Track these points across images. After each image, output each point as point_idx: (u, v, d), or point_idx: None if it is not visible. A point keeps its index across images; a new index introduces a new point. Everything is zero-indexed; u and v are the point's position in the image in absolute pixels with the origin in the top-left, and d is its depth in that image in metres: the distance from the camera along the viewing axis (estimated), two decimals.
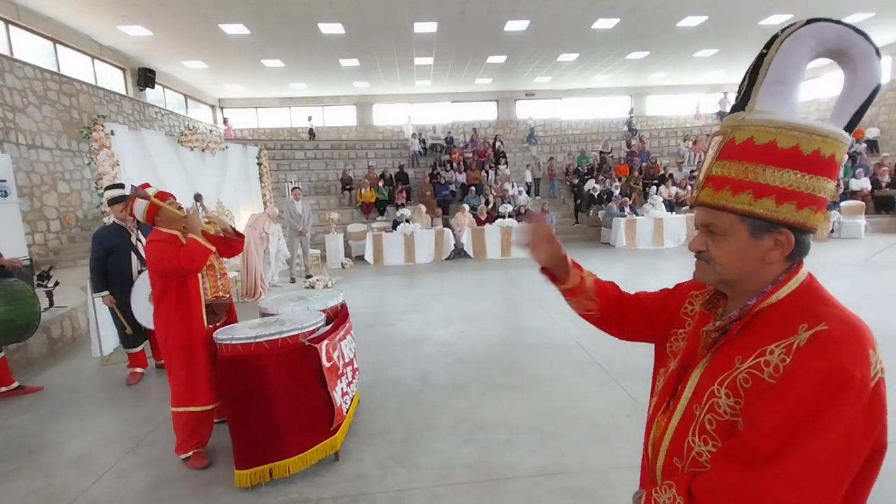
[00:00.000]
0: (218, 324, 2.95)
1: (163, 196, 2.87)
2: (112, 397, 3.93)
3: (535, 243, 1.14)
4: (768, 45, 0.82)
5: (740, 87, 0.85)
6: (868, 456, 0.72)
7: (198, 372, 2.78)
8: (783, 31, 0.81)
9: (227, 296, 3.07)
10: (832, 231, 10.75)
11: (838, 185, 11.55)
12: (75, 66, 11.54)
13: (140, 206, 2.83)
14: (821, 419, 0.67)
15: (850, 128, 0.81)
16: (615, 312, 1.17)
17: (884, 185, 12.01)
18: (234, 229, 3.21)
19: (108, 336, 4.56)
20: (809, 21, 0.80)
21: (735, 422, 0.76)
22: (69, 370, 4.60)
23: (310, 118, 19.33)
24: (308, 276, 8.53)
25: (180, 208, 2.90)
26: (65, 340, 5.31)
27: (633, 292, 1.20)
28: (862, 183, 12.00)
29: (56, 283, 5.35)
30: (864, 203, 11.38)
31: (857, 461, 0.69)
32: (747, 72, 0.84)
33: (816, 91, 18.12)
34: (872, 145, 14.20)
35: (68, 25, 10.94)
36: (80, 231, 9.82)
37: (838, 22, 0.80)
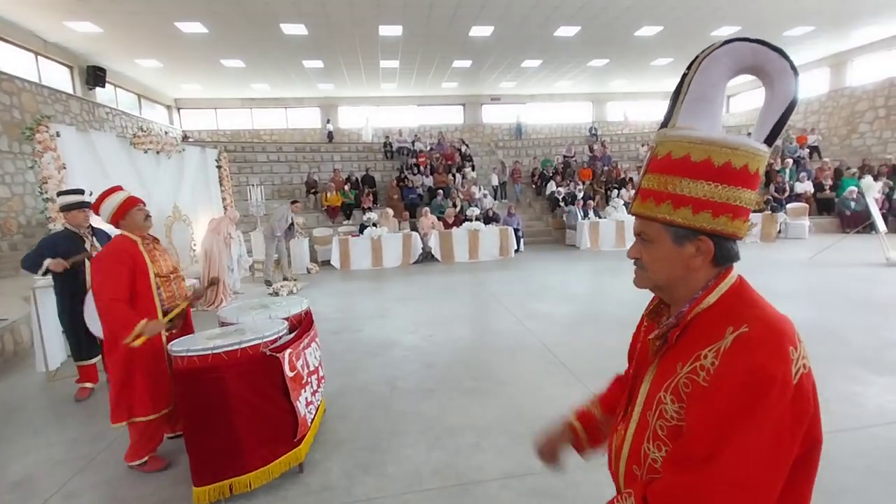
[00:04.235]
0: (174, 331, 2.91)
1: (133, 201, 2.86)
2: (59, 414, 3.70)
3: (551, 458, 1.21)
4: (690, 66, 0.86)
5: (668, 105, 0.89)
6: (804, 451, 0.76)
7: (145, 379, 2.74)
8: (702, 52, 0.85)
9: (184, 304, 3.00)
10: (779, 232, 11.36)
11: (773, 191, 12.24)
12: (16, 62, 10.86)
13: (109, 206, 2.81)
14: (748, 418, 0.69)
15: (770, 139, 0.84)
16: None
17: (826, 188, 12.82)
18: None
19: (54, 349, 4.29)
20: (725, 42, 0.84)
21: (682, 426, 0.78)
22: (11, 387, 4.30)
23: (328, 121, 19.13)
24: (285, 279, 8.44)
25: (148, 216, 2.91)
26: (6, 355, 4.96)
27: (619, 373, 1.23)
28: (805, 186, 12.76)
29: None
30: (807, 205, 12.09)
31: (788, 456, 0.72)
32: (674, 91, 0.88)
33: (758, 101, 19.11)
34: (814, 150, 15.12)
35: (8, 20, 10.28)
36: (22, 238, 9.23)
37: (754, 40, 0.83)
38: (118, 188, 2.98)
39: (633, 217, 0.90)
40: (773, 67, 0.83)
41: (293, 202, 9.31)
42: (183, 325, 3.02)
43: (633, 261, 0.92)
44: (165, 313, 2.83)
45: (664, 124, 0.88)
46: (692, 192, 0.81)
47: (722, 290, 0.83)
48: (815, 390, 0.76)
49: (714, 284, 0.83)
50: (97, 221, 3.56)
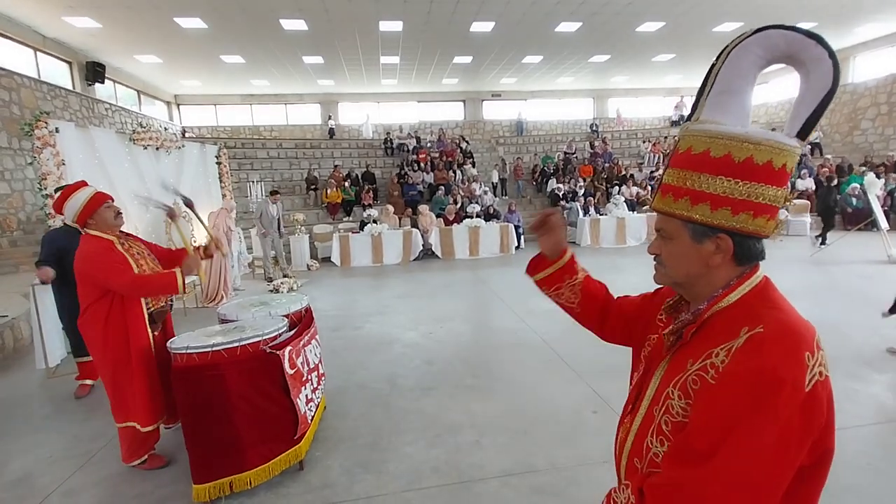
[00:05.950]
0: (156, 334, 2.82)
1: (101, 198, 2.69)
2: (59, 411, 3.70)
3: (547, 229, 1.21)
4: (718, 56, 0.83)
5: (695, 98, 0.87)
6: (814, 461, 0.73)
7: (142, 386, 2.68)
8: (732, 41, 0.82)
9: (167, 303, 2.95)
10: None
11: (792, 191, 12.18)
12: (15, 58, 10.82)
13: (74, 204, 2.63)
14: (752, 419, 0.67)
15: (804, 132, 0.80)
16: (598, 312, 1.20)
17: (824, 185, 12.75)
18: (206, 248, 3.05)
19: (54, 346, 4.29)
20: (758, 30, 0.80)
21: (686, 423, 0.77)
22: (11, 384, 4.30)
23: (329, 117, 19.20)
24: (285, 276, 8.39)
25: (118, 214, 2.72)
26: (6, 352, 4.96)
27: (616, 296, 1.23)
28: (807, 183, 12.71)
29: None
30: (808, 202, 12.05)
31: (792, 463, 0.70)
32: (701, 84, 0.86)
33: (765, 95, 19.08)
34: (816, 147, 15.06)
35: (7, 15, 10.23)
36: (22, 234, 9.22)
37: (788, 27, 0.80)
38: (83, 184, 2.75)
39: (655, 212, 0.88)
40: (809, 56, 0.79)
41: (272, 193, 8.67)
42: (164, 328, 2.92)
43: (653, 257, 0.90)
44: (150, 316, 2.75)
45: (689, 117, 0.86)
46: (711, 188, 0.79)
47: (744, 289, 0.80)
48: (832, 400, 0.73)
49: (736, 284, 0.81)
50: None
